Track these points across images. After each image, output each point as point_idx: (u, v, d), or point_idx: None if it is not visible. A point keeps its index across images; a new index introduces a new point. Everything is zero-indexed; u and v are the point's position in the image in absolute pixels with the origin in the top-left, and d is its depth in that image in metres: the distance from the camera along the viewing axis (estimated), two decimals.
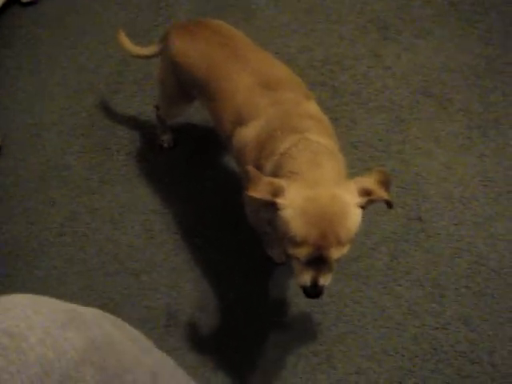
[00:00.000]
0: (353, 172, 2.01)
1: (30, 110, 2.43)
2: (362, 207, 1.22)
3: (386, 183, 1.24)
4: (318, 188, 1.20)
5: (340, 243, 1.18)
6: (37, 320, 0.93)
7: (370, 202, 1.22)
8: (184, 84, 1.75)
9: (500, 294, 1.81)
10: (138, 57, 2.06)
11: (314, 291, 1.26)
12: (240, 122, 1.51)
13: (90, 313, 1.09)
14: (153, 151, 2.22)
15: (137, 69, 2.47)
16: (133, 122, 2.31)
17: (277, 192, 1.20)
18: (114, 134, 2.29)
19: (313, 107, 1.52)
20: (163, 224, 2.03)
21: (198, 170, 2.14)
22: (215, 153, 2.16)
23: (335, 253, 1.18)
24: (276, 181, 1.22)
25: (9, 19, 2.81)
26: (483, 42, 2.39)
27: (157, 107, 2.09)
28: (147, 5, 2.66)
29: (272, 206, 1.21)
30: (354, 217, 1.20)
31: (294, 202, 1.19)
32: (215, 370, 1.75)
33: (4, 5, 2.75)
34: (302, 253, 1.19)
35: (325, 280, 1.25)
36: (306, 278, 1.24)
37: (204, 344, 1.80)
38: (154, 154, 2.21)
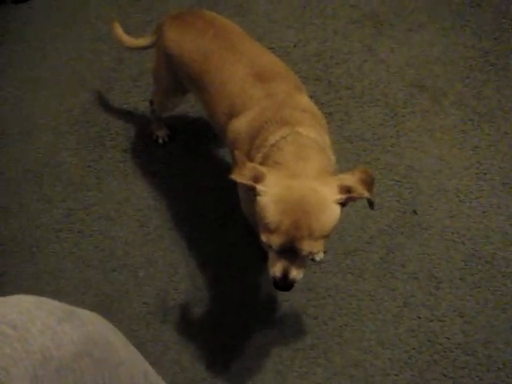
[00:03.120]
0: (347, 166, 2.04)
1: (25, 107, 2.42)
2: (342, 204, 1.22)
3: (368, 182, 1.23)
4: (298, 179, 1.21)
5: (312, 236, 1.18)
6: (38, 314, 0.96)
7: (350, 199, 1.22)
8: (178, 75, 1.75)
9: (495, 286, 1.82)
10: (133, 48, 2.06)
11: (283, 283, 1.27)
12: (233, 113, 1.51)
13: (87, 314, 1.11)
14: (148, 147, 2.22)
15: (131, 65, 2.47)
16: (128, 118, 2.31)
17: (258, 178, 1.21)
18: (109, 131, 2.29)
19: (305, 100, 1.53)
20: (159, 220, 2.04)
21: (194, 165, 2.14)
22: (211, 147, 2.17)
23: (307, 245, 1.19)
24: (259, 167, 1.24)
25: (1, 17, 2.80)
26: (476, 35, 2.39)
27: (151, 102, 2.09)
28: (139, 0, 2.66)
29: (252, 192, 1.23)
30: (331, 212, 1.20)
31: (273, 189, 1.20)
32: (211, 365, 1.76)
33: None
34: (275, 240, 1.20)
35: (296, 274, 1.26)
36: (277, 268, 1.26)
37: (200, 339, 1.81)
38: (150, 149, 2.21)
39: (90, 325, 1.09)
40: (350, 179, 1.22)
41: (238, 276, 1.90)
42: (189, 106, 2.20)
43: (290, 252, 1.22)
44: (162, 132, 2.20)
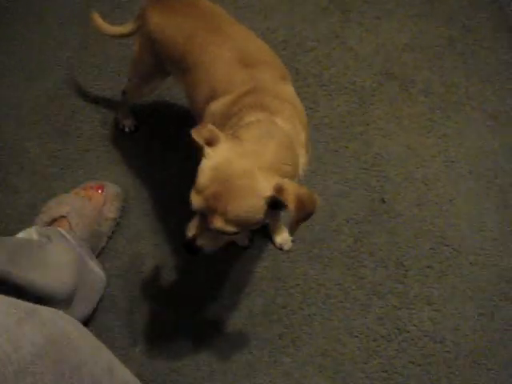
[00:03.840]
0: (315, 154, 2.03)
1: None
2: (271, 206, 1.19)
3: (304, 203, 1.16)
4: (243, 159, 1.19)
5: (225, 216, 1.17)
6: None
7: (274, 200, 1.17)
8: (161, 60, 1.71)
9: (462, 274, 1.83)
10: (115, 36, 2.00)
11: (188, 245, 1.28)
12: (214, 96, 1.48)
13: (47, 311, 1.08)
14: (113, 136, 2.18)
15: (96, 53, 2.42)
16: (92, 107, 2.27)
17: (212, 141, 1.20)
18: (73, 119, 2.24)
19: (289, 90, 1.50)
20: (127, 209, 2.01)
21: (161, 154, 2.12)
22: (177, 136, 2.14)
23: (217, 221, 1.18)
24: (218, 132, 1.22)
25: None
26: (445, 22, 2.40)
27: (123, 92, 2.05)
28: None
29: (201, 152, 1.23)
30: (253, 205, 1.17)
31: (216, 157, 1.19)
32: (178, 356, 1.74)
33: None
34: (194, 201, 1.21)
35: (204, 243, 1.27)
36: (190, 229, 1.28)
37: (168, 329, 1.79)
38: (115, 138, 2.17)
39: (51, 324, 1.06)
40: (292, 187, 1.16)
41: (206, 264, 1.88)
42: (155, 95, 2.16)
43: (204, 221, 1.23)
44: (128, 121, 2.17)
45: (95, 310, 1.79)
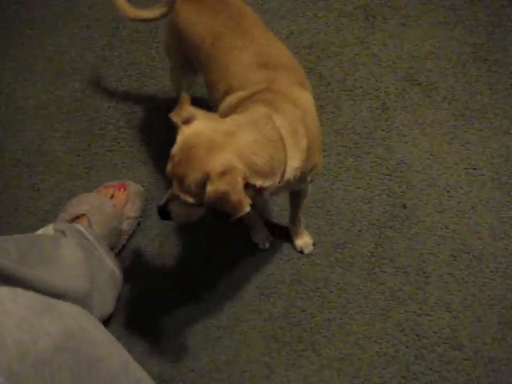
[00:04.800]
0: (337, 158, 2.04)
1: (14, 94, 2.40)
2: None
3: (217, 202, 1.19)
4: (213, 133, 1.23)
5: (182, 185, 1.22)
6: (13, 308, 0.95)
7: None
8: (187, 52, 1.72)
9: (482, 282, 1.82)
10: (138, 20, 1.88)
11: (160, 210, 1.33)
12: (228, 92, 1.50)
13: (67, 306, 1.10)
14: (138, 137, 2.20)
15: (122, 54, 2.45)
16: (118, 108, 2.29)
17: (189, 120, 1.25)
18: (98, 120, 2.27)
19: (305, 96, 1.49)
20: (149, 209, 2.03)
21: None
22: None
23: (176, 189, 1.24)
24: (195, 111, 1.27)
25: None
26: (469, 30, 2.39)
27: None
28: None
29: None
30: (196, 177, 1.20)
31: (188, 130, 1.24)
32: (197, 357, 1.76)
33: None
34: (167, 168, 1.26)
35: (172, 209, 1.31)
36: (166, 195, 1.32)
37: (186, 332, 1.80)
38: (139, 139, 2.20)
39: (70, 318, 1.07)
40: (229, 181, 1.18)
41: (227, 266, 1.90)
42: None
43: None
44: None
45: (114, 309, 1.81)
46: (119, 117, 2.27)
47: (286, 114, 1.35)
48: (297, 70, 1.58)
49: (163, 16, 1.74)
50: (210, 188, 1.17)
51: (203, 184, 1.19)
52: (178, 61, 1.87)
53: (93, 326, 1.18)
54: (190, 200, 1.23)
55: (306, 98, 1.48)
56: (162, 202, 1.32)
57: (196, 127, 1.24)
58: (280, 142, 1.29)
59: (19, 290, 1.04)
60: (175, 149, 1.24)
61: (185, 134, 1.24)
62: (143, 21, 1.90)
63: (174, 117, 1.27)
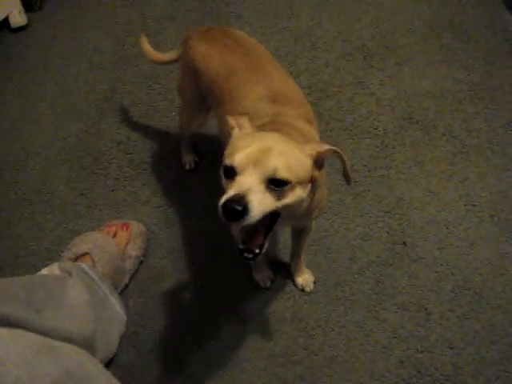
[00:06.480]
0: (337, 197, 2.06)
1: (18, 133, 2.45)
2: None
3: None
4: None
5: (279, 157, 1.18)
6: (13, 347, 0.96)
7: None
8: (201, 90, 1.77)
9: (484, 318, 1.82)
10: (160, 63, 2.12)
11: (236, 200, 1.13)
12: None
13: (66, 347, 1.11)
14: (139, 177, 2.23)
15: (124, 95, 2.50)
16: (120, 148, 2.33)
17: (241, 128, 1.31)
18: (101, 159, 2.30)
19: (308, 129, 1.50)
20: (151, 248, 2.04)
21: (185, 195, 2.16)
22: (206, 173, 2.18)
23: (274, 159, 1.19)
24: (249, 124, 1.32)
25: None
26: (466, 69, 2.44)
27: (180, 126, 2.14)
28: (128, 25, 2.69)
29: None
30: (301, 157, 1.23)
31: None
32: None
33: None
34: (238, 157, 1.18)
35: (253, 198, 1.13)
36: (227, 195, 1.22)
37: (191, 370, 1.80)
38: (141, 179, 2.22)
39: (68, 358, 1.08)
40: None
41: (228, 304, 1.90)
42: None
43: None
44: (188, 157, 2.22)
45: (117, 349, 1.81)
46: (122, 157, 2.30)
47: (293, 138, 1.35)
48: (305, 107, 1.62)
49: (178, 58, 1.95)
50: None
51: (300, 163, 1.21)
52: (191, 98, 1.90)
53: (93, 367, 1.19)
54: (288, 176, 1.15)
55: (309, 131, 1.50)
56: (239, 192, 1.12)
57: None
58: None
59: (20, 332, 1.05)
60: (243, 141, 1.20)
61: (244, 132, 1.28)
62: (165, 63, 2.10)
63: (233, 120, 1.32)
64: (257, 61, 1.67)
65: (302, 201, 1.25)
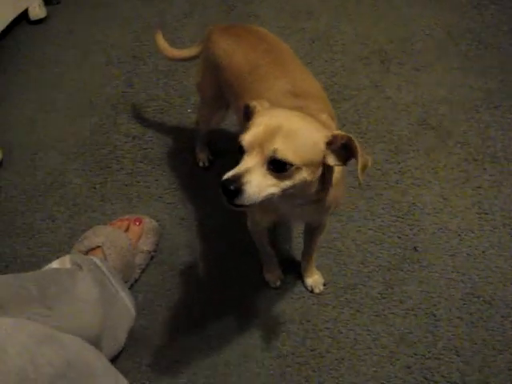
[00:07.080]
0: (349, 200, 2.06)
1: (34, 126, 2.46)
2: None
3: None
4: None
5: (284, 139, 1.16)
6: (16, 336, 0.97)
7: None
8: (221, 86, 1.77)
9: (493, 326, 1.82)
10: (177, 59, 2.12)
11: (229, 183, 1.15)
12: None
13: (69, 338, 1.12)
14: (153, 172, 2.24)
15: (140, 90, 2.51)
16: (134, 143, 2.34)
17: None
18: (115, 154, 2.31)
19: (330, 123, 1.45)
20: (162, 244, 2.05)
21: (199, 192, 2.17)
22: (215, 175, 2.19)
23: (277, 142, 1.16)
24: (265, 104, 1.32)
25: (17, 37, 2.86)
26: (482, 76, 2.43)
27: (197, 122, 2.14)
28: (146, 21, 2.70)
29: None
30: (312, 137, 1.22)
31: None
32: None
33: (12, 22, 2.79)
34: (250, 134, 1.19)
35: (250, 179, 1.15)
36: (233, 171, 1.22)
37: (199, 368, 1.80)
38: (154, 174, 2.24)
39: (71, 349, 1.10)
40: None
41: (237, 304, 1.90)
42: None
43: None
44: (203, 155, 2.23)
45: (125, 343, 1.81)
46: (136, 152, 2.31)
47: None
48: (326, 103, 1.61)
49: (197, 55, 1.95)
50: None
51: (310, 145, 1.19)
52: (210, 94, 1.90)
53: (95, 359, 1.19)
54: (293, 159, 1.14)
55: (331, 125, 1.45)
56: (236, 172, 1.15)
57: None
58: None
59: (24, 321, 1.06)
60: (259, 118, 1.21)
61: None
62: (182, 60, 2.11)
63: (256, 103, 1.31)
64: (280, 58, 1.66)
65: (307, 185, 1.22)
